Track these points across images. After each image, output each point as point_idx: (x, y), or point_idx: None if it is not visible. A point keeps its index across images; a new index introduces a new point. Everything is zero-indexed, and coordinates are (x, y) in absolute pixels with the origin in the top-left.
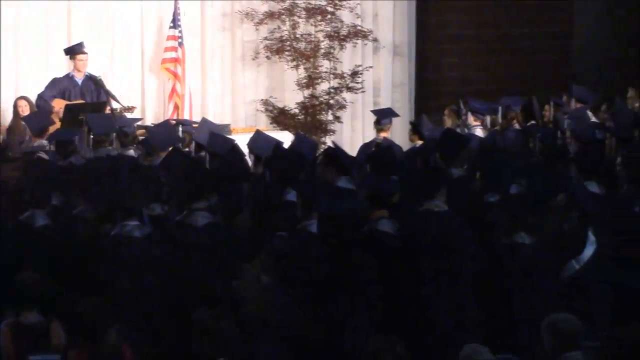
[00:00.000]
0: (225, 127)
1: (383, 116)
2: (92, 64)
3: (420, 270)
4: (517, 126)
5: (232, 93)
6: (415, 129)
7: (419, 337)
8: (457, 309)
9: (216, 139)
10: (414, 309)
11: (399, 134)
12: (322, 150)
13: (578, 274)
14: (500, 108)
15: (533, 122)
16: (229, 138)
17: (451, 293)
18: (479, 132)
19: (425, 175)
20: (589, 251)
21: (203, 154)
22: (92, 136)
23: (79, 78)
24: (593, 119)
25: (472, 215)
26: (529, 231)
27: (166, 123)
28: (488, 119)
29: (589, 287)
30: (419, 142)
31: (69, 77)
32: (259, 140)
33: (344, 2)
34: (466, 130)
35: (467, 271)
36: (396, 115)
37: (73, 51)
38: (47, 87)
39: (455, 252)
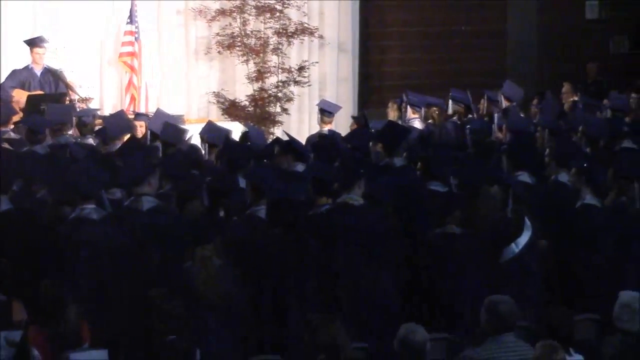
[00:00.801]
0: (179, 118)
1: (328, 109)
2: (54, 58)
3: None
4: (456, 119)
5: (186, 86)
6: (358, 121)
7: (357, 316)
8: (384, 292)
9: (169, 129)
10: (352, 290)
11: (344, 126)
12: (270, 140)
13: (517, 257)
14: (450, 102)
15: (470, 115)
16: (182, 128)
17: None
18: (418, 124)
19: (344, 168)
20: (526, 236)
21: (157, 143)
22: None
23: (38, 70)
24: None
25: (412, 204)
26: (459, 220)
27: (121, 113)
28: (423, 111)
29: (526, 269)
30: None
31: (28, 69)
32: (211, 130)
33: (291, 1)
34: (406, 122)
35: (391, 258)
36: (338, 108)
37: (32, 44)
38: (7, 78)
39: (374, 241)
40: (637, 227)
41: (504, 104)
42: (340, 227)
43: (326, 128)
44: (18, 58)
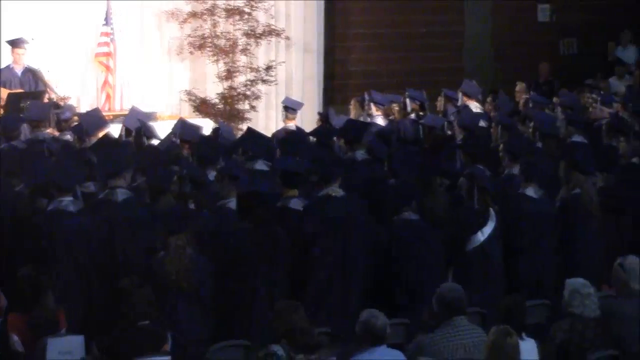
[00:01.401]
0: (152, 115)
1: (292, 106)
2: (36, 58)
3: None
4: (413, 116)
5: (159, 84)
6: (323, 118)
7: (321, 302)
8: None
9: (147, 126)
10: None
11: (310, 122)
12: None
13: (482, 246)
14: (408, 100)
15: (424, 112)
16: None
17: (347, 266)
18: (380, 120)
19: (325, 163)
20: (490, 226)
21: (131, 138)
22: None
23: (18, 69)
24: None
25: (372, 195)
26: (415, 209)
27: (96, 110)
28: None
29: (490, 257)
30: None
31: (9, 69)
32: (184, 127)
33: (259, 4)
34: (369, 119)
35: (362, 248)
36: (301, 105)
37: (13, 44)
38: None
39: (351, 232)
40: (586, 217)
41: (464, 101)
42: (324, 217)
43: (290, 124)
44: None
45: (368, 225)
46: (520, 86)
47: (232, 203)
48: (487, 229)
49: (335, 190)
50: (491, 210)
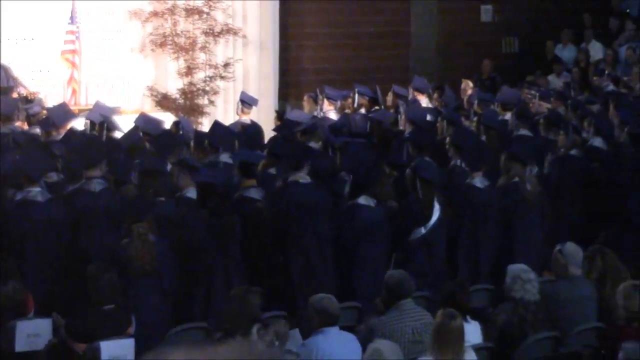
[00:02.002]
0: (115, 109)
1: (248, 100)
2: (7, 55)
3: (285, 230)
4: (363, 111)
5: (123, 80)
6: (280, 115)
7: (276, 287)
8: (310, 263)
9: (110, 120)
10: (274, 263)
11: (265, 116)
12: (198, 129)
13: (424, 237)
14: (356, 95)
15: (377, 107)
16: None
17: (309, 250)
18: (333, 115)
19: (293, 151)
20: (434, 217)
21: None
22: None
23: None
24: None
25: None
26: (370, 197)
27: (63, 105)
28: (339, 103)
29: (432, 246)
30: None
31: None
32: (145, 121)
33: (217, 4)
34: (322, 114)
35: (325, 232)
36: (256, 100)
37: None
38: None
39: (317, 216)
40: (525, 205)
41: (414, 96)
42: (292, 201)
43: (245, 117)
44: None
45: (330, 209)
46: (464, 84)
47: (191, 193)
48: (431, 222)
49: (303, 176)
50: (435, 201)
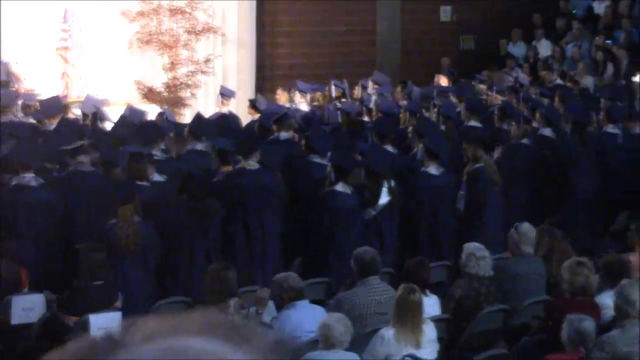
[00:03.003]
0: (105, 101)
1: (226, 93)
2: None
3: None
4: (338, 103)
5: (113, 75)
6: (252, 104)
7: (246, 264)
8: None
9: (100, 111)
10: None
11: (243, 108)
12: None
13: (374, 218)
14: (333, 87)
15: (345, 99)
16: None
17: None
18: (304, 107)
19: (242, 140)
20: (383, 200)
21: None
22: None
23: None
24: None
25: (296, 170)
26: (343, 183)
27: (56, 97)
28: (309, 96)
29: (382, 227)
30: (256, 115)
31: None
32: (131, 112)
33: (199, 5)
34: (294, 106)
35: (276, 213)
36: (234, 93)
37: None
38: None
39: (266, 199)
40: (491, 186)
41: (373, 88)
42: (239, 186)
43: (224, 109)
44: None
45: (279, 193)
46: (437, 78)
47: None
48: (380, 204)
49: (251, 163)
50: (384, 186)
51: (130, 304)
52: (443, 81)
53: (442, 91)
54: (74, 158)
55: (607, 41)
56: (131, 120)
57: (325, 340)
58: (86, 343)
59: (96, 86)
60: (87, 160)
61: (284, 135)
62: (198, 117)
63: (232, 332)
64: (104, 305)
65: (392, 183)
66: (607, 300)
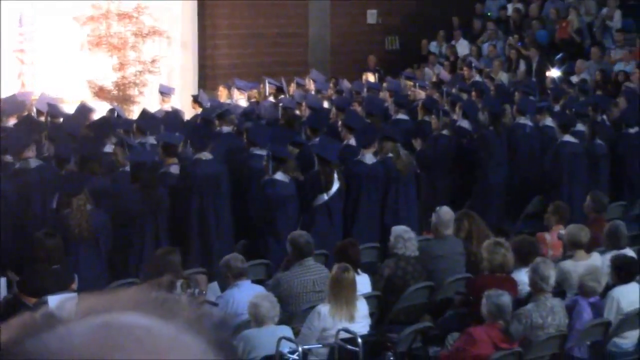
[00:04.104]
0: (59, 99)
1: (166, 91)
2: None
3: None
4: (272, 99)
5: (66, 74)
6: (195, 100)
7: (195, 247)
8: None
9: (54, 108)
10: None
11: (187, 104)
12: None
13: (326, 203)
14: (266, 85)
15: (282, 96)
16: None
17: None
18: (243, 102)
19: (197, 134)
20: (334, 187)
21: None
22: None
23: None
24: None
25: (238, 161)
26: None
27: (14, 96)
28: (247, 93)
29: (332, 211)
30: (199, 109)
31: None
32: (82, 109)
33: (145, 10)
34: (234, 102)
35: (226, 200)
36: (172, 90)
37: None
38: None
39: (216, 187)
40: (397, 176)
41: (310, 84)
42: (194, 175)
43: (166, 105)
44: None
45: (227, 182)
46: (365, 76)
47: (127, 168)
48: (332, 191)
49: (205, 154)
50: (335, 174)
51: (85, 286)
52: (370, 78)
53: (371, 87)
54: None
55: (519, 43)
56: (83, 117)
57: (254, 318)
58: (26, 320)
59: (50, 85)
60: (33, 154)
61: (225, 129)
62: (144, 113)
63: (163, 307)
64: (61, 287)
65: (340, 171)
66: (522, 277)
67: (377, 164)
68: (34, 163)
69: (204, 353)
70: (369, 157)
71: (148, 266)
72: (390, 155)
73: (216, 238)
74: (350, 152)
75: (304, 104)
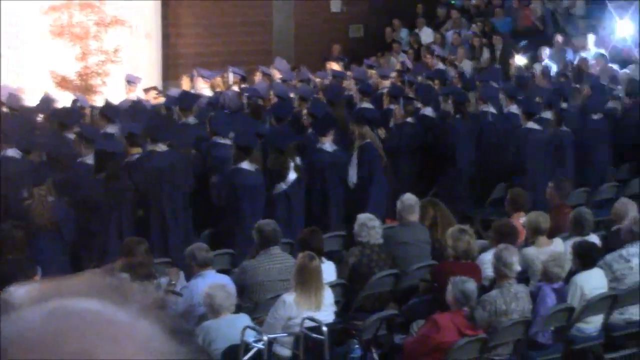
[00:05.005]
0: (20, 90)
1: (132, 80)
2: None
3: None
4: (236, 88)
5: (29, 65)
6: (158, 91)
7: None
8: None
9: (12, 98)
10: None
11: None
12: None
13: (285, 192)
14: (231, 74)
15: (245, 85)
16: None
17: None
18: (207, 92)
19: (153, 125)
20: (292, 176)
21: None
22: None
23: None
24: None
25: (202, 152)
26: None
27: None
28: (210, 82)
29: (292, 200)
30: (161, 99)
31: None
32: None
33: None
34: (196, 91)
35: (183, 192)
36: (139, 79)
37: None
38: None
39: (176, 178)
40: (378, 159)
41: (276, 75)
42: (150, 167)
43: (132, 94)
44: None
45: (187, 172)
46: (329, 64)
47: (89, 159)
48: (289, 179)
49: (161, 146)
50: (291, 163)
51: (47, 277)
52: (335, 67)
53: (336, 75)
54: None
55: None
56: (47, 108)
57: (211, 309)
58: None
59: (12, 75)
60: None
61: (190, 119)
62: (108, 102)
63: (115, 293)
64: (24, 278)
65: (298, 160)
66: (488, 257)
67: (338, 152)
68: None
69: (159, 339)
70: (328, 145)
71: (115, 256)
72: (369, 140)
73: (174, 229)
74: (314, 140)
75: (271, 93)
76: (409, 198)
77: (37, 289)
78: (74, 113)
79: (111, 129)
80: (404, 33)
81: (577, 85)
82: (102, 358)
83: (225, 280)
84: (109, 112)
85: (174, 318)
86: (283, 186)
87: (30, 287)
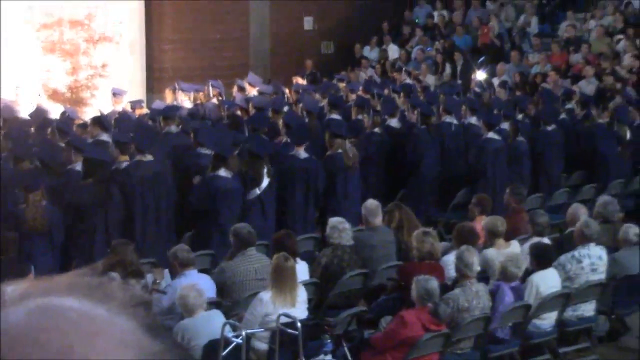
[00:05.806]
0: (14, 102)
1: (118, 92)
2: None
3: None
4: (215, 100)
5: (22, 78)
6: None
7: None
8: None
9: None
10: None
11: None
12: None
13: (259, 197)
14: (210, 87)
15: (221, 98)
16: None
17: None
18: (187, 104)
19: (139, 136)
20: (265, 182)
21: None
22: None
23: None
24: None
25: (184, 160)
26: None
27: None
28: (192, 95)
29: (265, 204)
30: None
31: None
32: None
33: (95, 18)
34: (178, 103)
35: (168, 197)
36: (125, 92)
37: None
38: None
39: (160, 186)
40: (345, 169)
41: (248, 89)
42: (136, 176)
43: (118, 106)
44: None
45: (170, 180)
46: (295, 79)
47: (78, 165)
48: (263, 185)
49: (147, 156)
50: (265, 170)
51: (39, 276)
52: (300, 81)
53: (302, 89)
54: None
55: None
56: (39, 118)
57: (185, 309)
58: None
59: (6, 88)
60: None
61: (172, 128)
62: (100, 113)
63: (95, 291)
64: (18, 277)
65: (270, 166)
66: (451, 258)
67: (310, 160)
68: None
69: (136, 335)
70: (301, 153)
71: (108, 256)
72: (340, 150)
73: (157, 234)
74: (288, 149)
75: (250, 104)
76: (371, 203)
77: (22, 288)
78: (65, 124)
79: (104, 137)
80: (372, 49)
81: (533, 98)
82: (82, 352)
83: (205, 279)
84: (104, 121)
85: (150, 315)
86: (257, 192)
87: (16, 286)
